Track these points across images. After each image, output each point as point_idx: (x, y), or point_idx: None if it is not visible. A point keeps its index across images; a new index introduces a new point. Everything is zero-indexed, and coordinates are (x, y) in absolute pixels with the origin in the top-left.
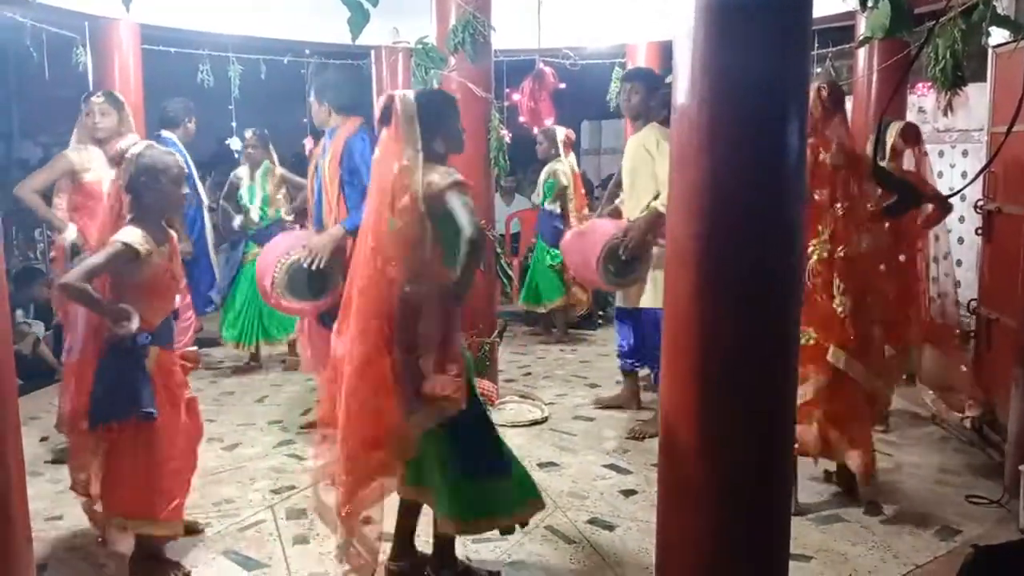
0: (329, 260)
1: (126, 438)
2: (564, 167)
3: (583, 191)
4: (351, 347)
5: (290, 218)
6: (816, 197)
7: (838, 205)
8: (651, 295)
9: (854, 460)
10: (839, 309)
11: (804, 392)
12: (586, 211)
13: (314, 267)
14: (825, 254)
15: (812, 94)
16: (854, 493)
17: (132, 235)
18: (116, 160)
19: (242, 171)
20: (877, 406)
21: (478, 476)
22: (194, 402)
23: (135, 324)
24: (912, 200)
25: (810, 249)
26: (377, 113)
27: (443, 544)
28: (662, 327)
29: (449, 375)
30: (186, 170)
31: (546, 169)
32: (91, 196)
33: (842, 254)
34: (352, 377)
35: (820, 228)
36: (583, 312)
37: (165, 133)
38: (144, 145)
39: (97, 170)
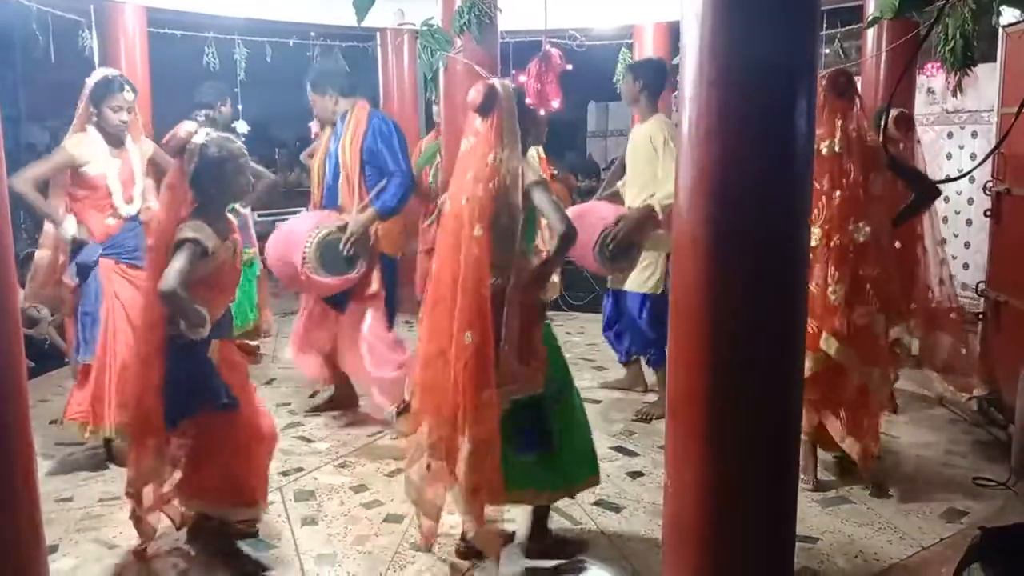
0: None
1: (206, 431)
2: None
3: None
4: (457, 338)
5: (246, 210)
6: (816, 185)
7: (837, 193)
8: (634, 279)
9: (852, 448)
10: (832, 297)
11: (807, 367)
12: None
13: (349, 246)
14: (819, 242)
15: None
16: (856, 475)
17: (201, 231)
18: (177, 148)
19: None
20: (876, 395)
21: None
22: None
23: (208, 328)
24: (930, 196)
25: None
26: (476, 102)
27: (540, 518)
28: (640, 311)
29: (531, 367)
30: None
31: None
32: (93, 188)
33: (836, 242)
34: (464, 369)
35: (815, 215)
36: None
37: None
38: (206, 133)
39: (98, 161)
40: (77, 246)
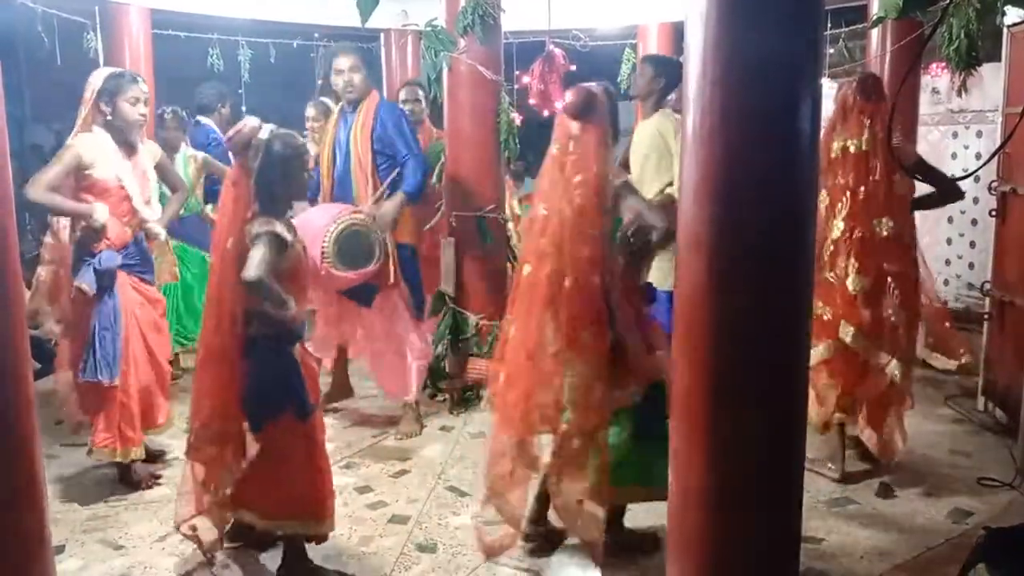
0: (373, 229)
1: (285, 436)
2: None
3: None
4: (571, 338)
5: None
6: (840, 180)
7: (862, 188)
8: (655, 277)
9: (870, 439)
10: (852, 288)
11: (819, 354)
12: None
13: (379, 235)
14: (841, 234)
15: (846, 86)
16: (868, 457)
17: (275, 224)
18: (242, 145)
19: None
20: (896, 387)
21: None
22: None
23: (296, 318)
24: (952, 194)
25: (830, 229)
26: (575, 107)
27: (618, 513)
28: (667, 310)
29: (656, 355)
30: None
31: None
32: (104, 192)
33: (859, 235)
34: (585, 367)
35: (839, 208)
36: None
37: (202, 119)
38: (270, 130)
39: (108, 163)
40: (87, 249)
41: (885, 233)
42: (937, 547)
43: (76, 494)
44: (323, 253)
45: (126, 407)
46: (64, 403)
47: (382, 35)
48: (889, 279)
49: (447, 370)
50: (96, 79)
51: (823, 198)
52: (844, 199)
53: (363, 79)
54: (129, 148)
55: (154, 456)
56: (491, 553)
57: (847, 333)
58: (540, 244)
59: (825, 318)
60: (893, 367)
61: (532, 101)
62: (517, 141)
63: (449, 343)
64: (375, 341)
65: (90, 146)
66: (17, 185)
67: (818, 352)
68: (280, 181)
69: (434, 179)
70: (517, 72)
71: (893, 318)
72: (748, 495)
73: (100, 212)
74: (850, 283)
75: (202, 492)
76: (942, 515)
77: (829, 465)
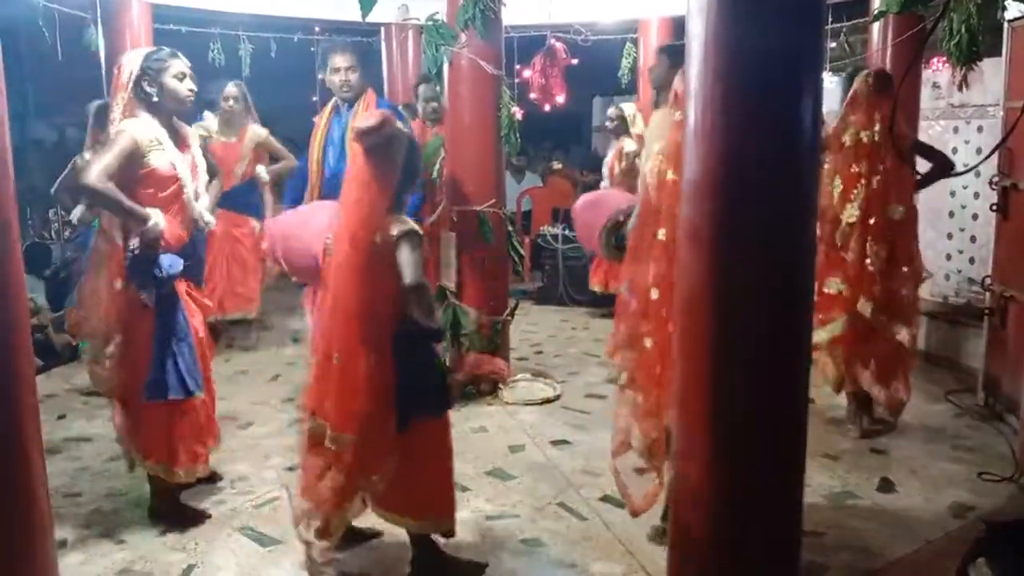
0: None
1: (425, 435)
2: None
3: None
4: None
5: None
6: (854, 168)
7: (876, 178)
8: None
9: (880, 395)
10: (871, 266)
11: (832, 329)
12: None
13: None
14: (854, 219)
15: (860, 80)
16: (869, 411)
17: (410, 223)
18: (387, 137)
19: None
20: (905, 349)
21: None
22: None
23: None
24: (947, 166)
25: (844, 213)
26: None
27: None
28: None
29: None
30: None
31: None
32: (161, 185)
33: (874, 219)
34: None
35: (854, 195)
36: None
37: (208, 115)
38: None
39: (160, 151)
40: (146, 255)
41: (897, 217)
42: (937, 541)
43: (79, 489)
44: (326, 251)
45: (206, 420)
46: (128, 438)
47: (383, 29)
48: (900, 257)
49: (448, 364)
50: (132, 60)
51: (836, 184)
52: (859, 186)
53: (359, 78)
54: (177, 135)
55: (211, 477)
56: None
57: (866, 308)
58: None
59: (845, 295)
60: (904, 334)
61: (533, 95)
62: (518, 136)
63: (450, 337)
64: None
65: (144, 131)
66: (19, 181)
67: (837, 326)
68: (409, 176)
69: (434, 174)
70: (518, 66)
71: (903, 291)
72: (749, 489)
73: (157, 217)
74: (869, 262)
75: (331, 495)
76: (942, 509)
77: (848, 426)
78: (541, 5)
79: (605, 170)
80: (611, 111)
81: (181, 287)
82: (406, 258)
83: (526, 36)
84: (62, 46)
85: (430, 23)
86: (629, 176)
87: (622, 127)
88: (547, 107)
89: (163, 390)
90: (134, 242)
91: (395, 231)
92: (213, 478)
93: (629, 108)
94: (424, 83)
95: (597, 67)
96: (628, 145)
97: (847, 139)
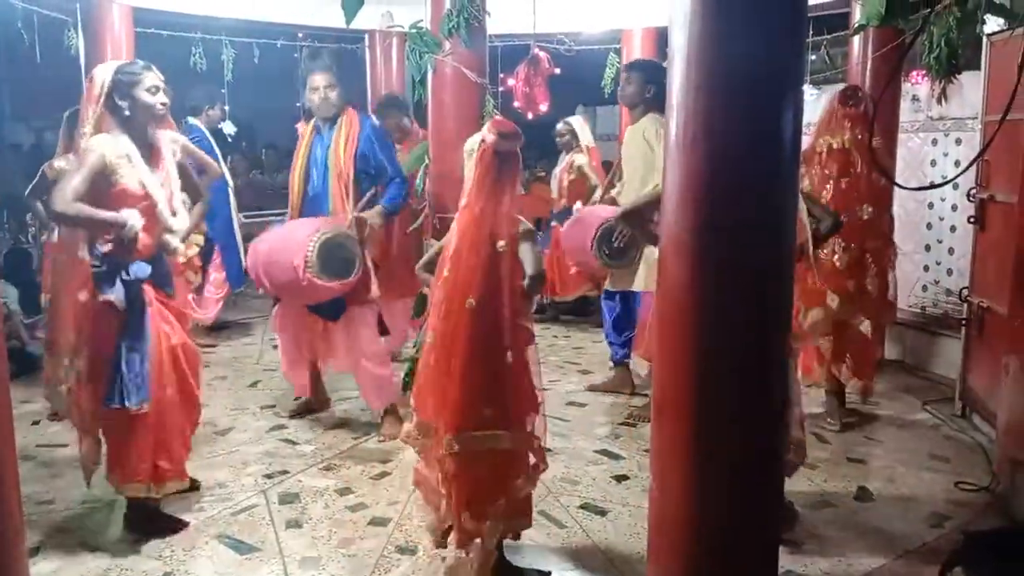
0: (354, 243)
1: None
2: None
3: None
4: None
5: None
6: (824, 171)
7: (844, 180)
8: (645, 279)
9: (856, 387)
10: (838, 264)
11: (813, 317)
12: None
13: (359, 249)
14: None
15: (833, 95)
16: (842, 399)
17: (523, 220)
18: (516, 139)
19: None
20: (869, 341)
21: None
22: None
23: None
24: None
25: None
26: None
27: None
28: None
29: None
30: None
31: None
32: (127, 202)
33: (843, 219)
34: None
35: (822, 196)
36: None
37: (191, 120)
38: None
39: (130, 169)
40: (116, 259)
41: (866, 217)
42: (915, 550)
43: (51, 496)
44: (307, 261)
45: (165, 436)
46: (86, 452)
47: (366, 36)
48: (868, 255)
49: None
50: (104, 73)
51: (805, 187)
52: (827, 188)
53: (339, 96)
54: (150, 150)
55: (193, 487)
56: None
57: (833, 300)
58: None
59: (817, 288)
60: (866, 326)
61: (517, 104)
62: None
63: None
64: (341, 355)
65: (112, 148)
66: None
67: (813, 315)
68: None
69: (418, 182)
70: (502, 75)
71: (870, 287)
72: (728, 497)
73: (134, 219)
74: (836, 259)
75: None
76: (920, 519)
77: (828, 420)
78: (525, 15)
79: (554, 183)
80: (560, 126)
81: (150, 293)
82: (528, 253)
83: (510, 45)
84: (41, 49)
85: (414, 31)
86: (579, 188)
87: (572, 141)
88: (531, 116)
89: (113, 398)
90: (106, 246)
91: (519, 230)
92: (191, 486)
93: (577, 122)
94: (387, 107)
95: (581, 77)
96: (579, 159)
97: (820, 145)
